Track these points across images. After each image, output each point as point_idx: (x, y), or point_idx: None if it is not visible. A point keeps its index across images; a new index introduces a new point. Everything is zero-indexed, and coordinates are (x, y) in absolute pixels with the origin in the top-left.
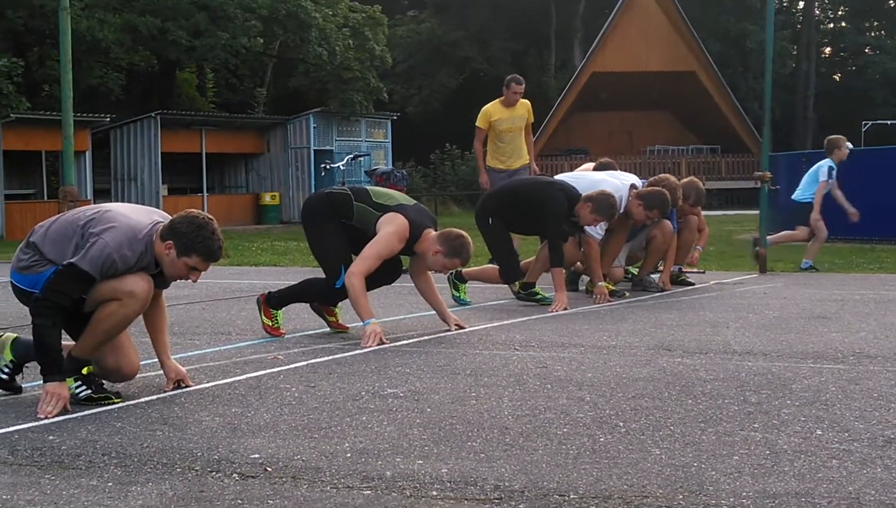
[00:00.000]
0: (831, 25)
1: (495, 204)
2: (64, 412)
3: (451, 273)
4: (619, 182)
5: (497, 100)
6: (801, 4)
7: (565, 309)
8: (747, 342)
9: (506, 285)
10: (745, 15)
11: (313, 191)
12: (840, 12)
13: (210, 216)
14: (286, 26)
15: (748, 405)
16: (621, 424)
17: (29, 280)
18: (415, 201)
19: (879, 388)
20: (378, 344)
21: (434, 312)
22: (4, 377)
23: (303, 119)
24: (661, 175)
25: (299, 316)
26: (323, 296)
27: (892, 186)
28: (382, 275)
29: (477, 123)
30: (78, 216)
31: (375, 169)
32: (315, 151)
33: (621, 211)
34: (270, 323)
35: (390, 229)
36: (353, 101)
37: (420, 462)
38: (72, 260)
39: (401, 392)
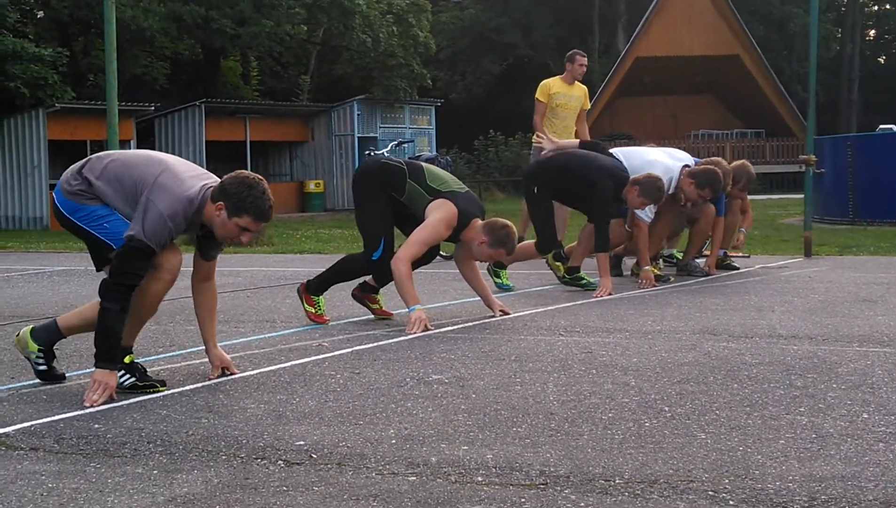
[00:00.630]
0: (875, 8)
1: (545, 174)
2: (109, 400)
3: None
4: (671, 162)
5: (558, 76)
6: None
7: (610, 294)
8: (793, 326)
9: (551, 271)
10: None
11: None
12: None
13: (260, 177)
14: (330, 13)
15: (794, 389)
16: (667, 409)
17: (70, 206)
18: (467, 189)
19: None
20: (423, 331)
21: (479, 298)
22: (42, 367)
23: (347, 106)
24: (713, 158)
25: (343, 303)
26: (360, 271)
27: None
28: (418, 258)
29: (537, 96)
30: (136, 172)
31: (420, 155)
32: (359, 138)
33: (671, 191)
34: (313, 310)
35: (439, 215)
36: (397, 87)
37: (465, 447)
38: (131, 233)
39: (445, 378)
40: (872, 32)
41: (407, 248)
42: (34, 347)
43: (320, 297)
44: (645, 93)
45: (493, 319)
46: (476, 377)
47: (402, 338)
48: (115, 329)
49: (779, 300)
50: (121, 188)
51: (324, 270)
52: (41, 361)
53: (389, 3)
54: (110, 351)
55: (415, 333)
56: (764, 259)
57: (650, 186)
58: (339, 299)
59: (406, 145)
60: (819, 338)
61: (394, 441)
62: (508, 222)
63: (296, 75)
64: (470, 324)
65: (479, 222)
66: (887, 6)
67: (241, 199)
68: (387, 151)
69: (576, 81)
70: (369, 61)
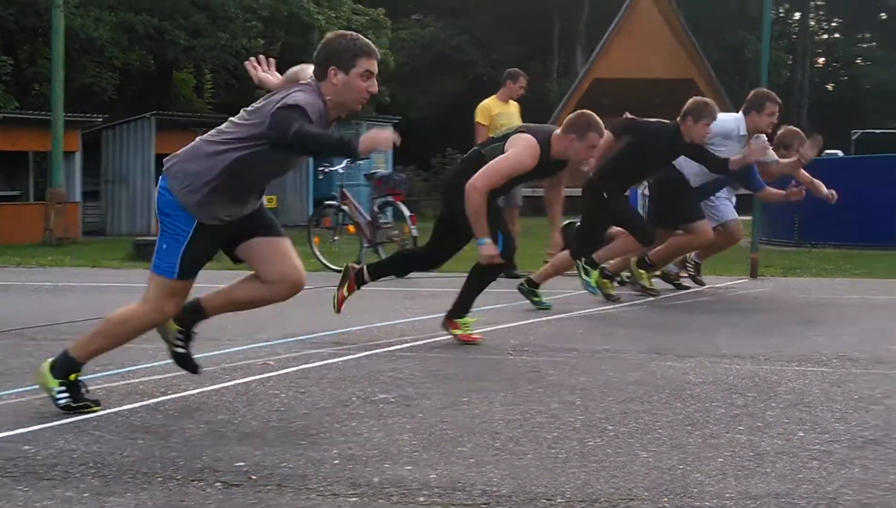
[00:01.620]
0: (825, 36)
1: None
2: (41, 420)
3: (581, 260)
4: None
5: (494, 95)
6: (797, 15)
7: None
8: (737, 346)
9: (502, 288)
10: (743, 24)
11: (311, 195)
12: (834, 24)
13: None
14: (288, 28)
15: (735, 408)
16: (610, 428)
17: (167, 203)
18: (536, 124)
19: (860, 390)
20: (492, 264)
21: (430, 316)
22: (63, 402)
23: None
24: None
25: (291, 321)
26: (418, 265)
27: (879, 194)
28: (453, 243)
29: (478, 120)
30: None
31: (375, 172)
32: None
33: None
34: (460, 332)
35: (519, 146)
36: None
37: (409, 467)
38: (278, 105)
39: (392, 398)
40: (822, 60)
41: (486, 178)
42: (54, 383)
43: (465, 317)
44: (604, 114)
45: (443, 338)
46: (423, 396)
47: (348, 357)
48: (320, 134)
49: (725, 321)
50: (202, 156)
51: (458, 290)
52: (63, 396)
53: (349, 19)
54: (340, 141)
55: (486, 264)
56: (712, 280)
57: (698, 107)
58: (285, 316)
59: (361, 162)
60: (761, 358)
61: (336, 462)
62: (579, 111)
63: (251, 88)
64: (419, 343)
65: (557, 130)
66: (836, 35)
67: (343, 49)
68: (341, 168)
69: (510, 100)
70: None
